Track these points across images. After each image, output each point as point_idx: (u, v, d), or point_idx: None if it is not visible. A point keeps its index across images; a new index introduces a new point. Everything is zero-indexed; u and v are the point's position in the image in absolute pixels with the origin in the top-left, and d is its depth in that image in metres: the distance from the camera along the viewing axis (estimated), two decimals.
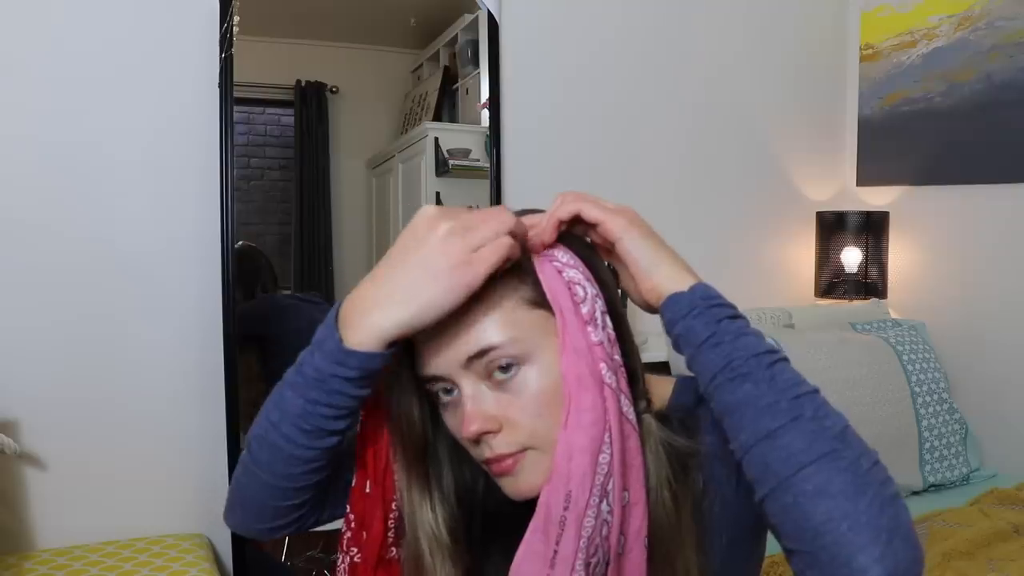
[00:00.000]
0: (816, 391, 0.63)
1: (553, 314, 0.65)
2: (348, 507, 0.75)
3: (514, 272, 0.65)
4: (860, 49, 2.53)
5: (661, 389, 0.75)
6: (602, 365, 0.64)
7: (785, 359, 0.65)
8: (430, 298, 0.61)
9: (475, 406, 0.65)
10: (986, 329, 2.25)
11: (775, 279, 2.49)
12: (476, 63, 2.07)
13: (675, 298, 0.66)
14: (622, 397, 0.65)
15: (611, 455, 0.63)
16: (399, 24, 2.14)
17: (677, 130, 2.31)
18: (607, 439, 0.63)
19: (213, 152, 1.67)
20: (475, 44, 2.08)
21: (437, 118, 2.11)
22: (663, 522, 0.67)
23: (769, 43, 2.43)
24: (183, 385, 1.74)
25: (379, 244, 2.11)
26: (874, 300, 2.38)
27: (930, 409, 2.03)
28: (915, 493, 1.97)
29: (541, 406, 0.65)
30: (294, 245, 2.04)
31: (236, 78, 1.68)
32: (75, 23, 1.64)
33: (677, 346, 0.66)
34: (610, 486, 0.63)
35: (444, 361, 0.65)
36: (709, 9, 2.33)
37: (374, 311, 0.62)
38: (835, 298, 2.43)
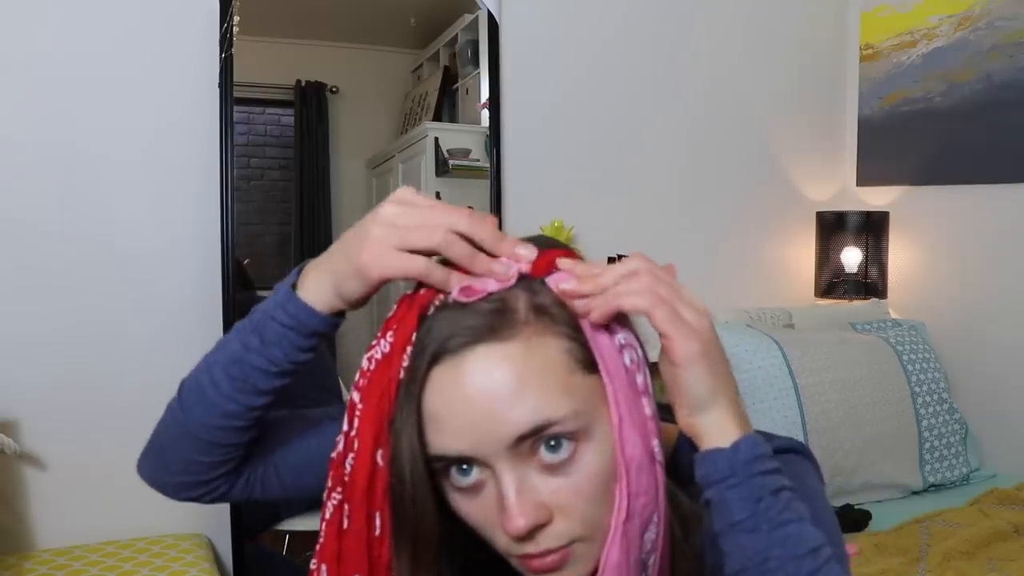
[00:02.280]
0: None
1: (599, 378, 0.56)
2: None
3: (563, 328, 0.56)
4: (860, 49, 2.53)
5: (664, 436, 0.64)
6: (655, 441, 0.56)
7: (828, 558, 0.54)
8: (354, 263, 0.57)
9: (522, 496, 0.54)
10: (986, 329, 2.25)
11: (775, 279, 2.49)
12: (476, 63, 2.07)
13: (713, 456, 0.55)
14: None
15: (657, 534, 0.57)
16: (399, 24, 2.14)
17: (677, 130, 2.31)
18: (655, 518, 0.56)
19: (213, 152, 1.67)
20: (475, 44, 2.08)
21: (437, 118, 2.11)
22: None
23: (769, 43, 2.43)
24: None
25: None
26: (874, 300, 2.38)
27: (930, 409, 2.02)
28: (915, 493, 1.96)
29: (598, 489, 0.55)
30: (294, 245, 2.04)
31: (236, 78, 1.68)
32: (75, 24, 1.64)
33: (707, 505, 0.57)
34: (651, 561, 0.57)
35: (479, 439, 0.54)
36: (709, 9, 2.33)
37: (317, 270, 0.60)
38: (835, 298, 2.43)
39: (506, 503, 0.54)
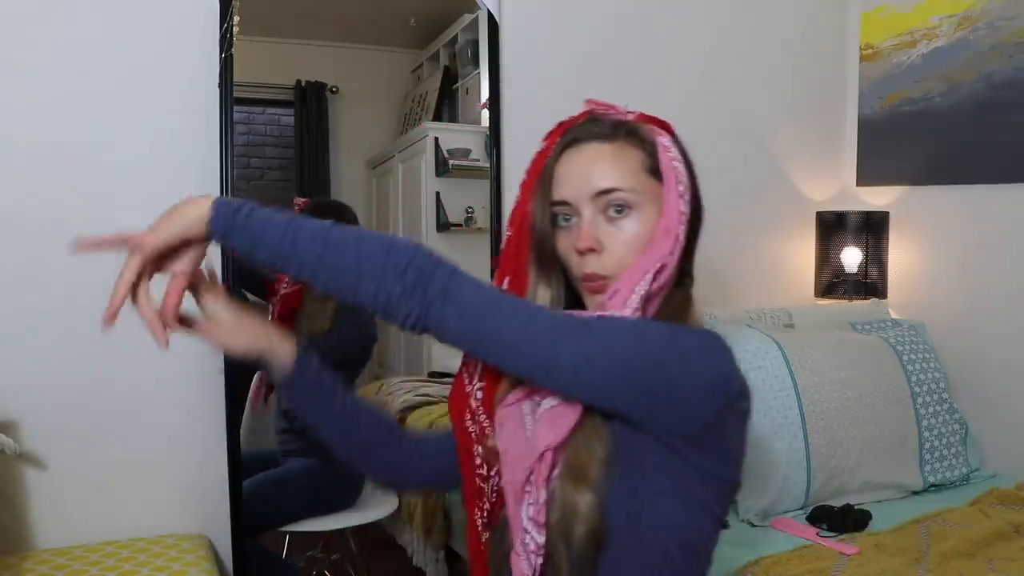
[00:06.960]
0: None
1: (660, 185, 0.91)
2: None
3: (639, 143, 0.92)
4: (860, 49, 2.53)
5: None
6: (680, 228, 0.89)
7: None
8: None
9: (589, 228, 0.89)
10: (986, 329, 2.25)
11: (775, 279, 2.49)
12: (476, 63, 2.07)
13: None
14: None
15: (659, 280, 0.88)
16: (399, 24, 2.14)
17: (677, 129, 2.30)
18: (660, 267, 0.88)
19: (213, 152, 1.67)
20: (475, 44, 2.08)
21: (437, 118, 2.11)
22: None
23: (769, 43, 2.43)
24: (183, 385, 1.73)
25: None
26: (874, 300, 2.38)
27: (930, 409, 2.03)
28: (915, 493, 1.96)
29: (634, 245, 0.89)
30: None
31: (236, 78, 1.68)
32: (75, 24, 1.64)
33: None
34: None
35: (576, 190, 0.90)
36: (709, 9, 2.33)
37: None
38: (835, 298, 2.43)
39: (580, 231, 0.90)
